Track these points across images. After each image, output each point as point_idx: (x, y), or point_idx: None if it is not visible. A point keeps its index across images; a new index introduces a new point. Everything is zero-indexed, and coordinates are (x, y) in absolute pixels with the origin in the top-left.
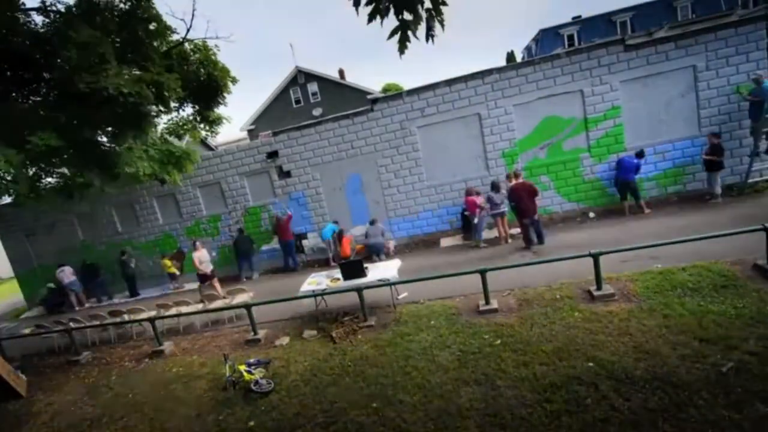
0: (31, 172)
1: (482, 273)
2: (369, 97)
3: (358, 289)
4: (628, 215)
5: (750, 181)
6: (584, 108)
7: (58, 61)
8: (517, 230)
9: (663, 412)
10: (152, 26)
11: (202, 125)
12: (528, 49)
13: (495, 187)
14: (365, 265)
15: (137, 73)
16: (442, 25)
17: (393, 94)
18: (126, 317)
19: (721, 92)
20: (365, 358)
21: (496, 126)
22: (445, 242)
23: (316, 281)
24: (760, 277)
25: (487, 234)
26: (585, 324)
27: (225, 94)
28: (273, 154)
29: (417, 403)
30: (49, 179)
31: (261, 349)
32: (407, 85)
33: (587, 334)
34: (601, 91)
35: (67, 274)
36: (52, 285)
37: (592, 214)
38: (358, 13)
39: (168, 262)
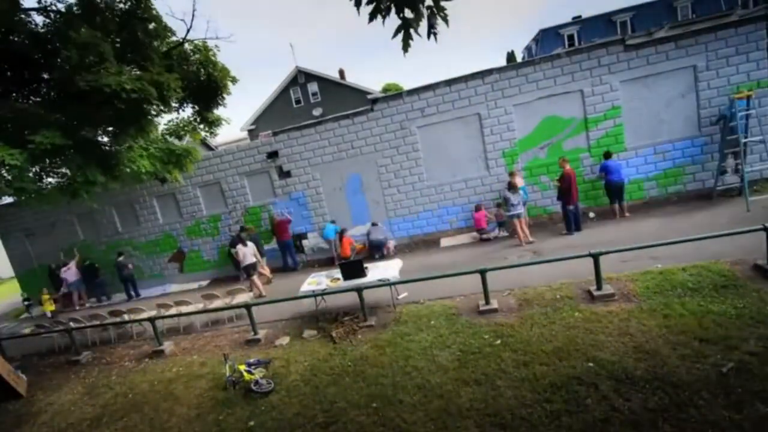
0: (31, 172)
1: (482, 273)
2: (369, 97)
3: (358, 289)
4: (618, 218)
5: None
6: (584, 108)
7: (58, 60)
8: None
9: (663, 412)
10: (152, 26)
11: (201, 126)
12: (528, 49)
13: (512, 187)
14: (365, 265)
15: (137, 72)
16: (446, 22)
17: (393, 94)
18: (126, 317)
19: (722, 92)
20: (365, 358)
21: (496, 126)
22: (445, 242)
23: (316, 281)
24: (760, 277)
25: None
26: (585, 324)
27: (225, 95)
28: (273, 154)
29: (417, 403)
30: (50, 179)
31: (261, 349)
32: (407, 85)
33: (587, 334)
34: (601, 91)
35: (72, 273)
36: (52, 265)
37: (592, 214)
38: (359, 13)
39: (46, 297)
